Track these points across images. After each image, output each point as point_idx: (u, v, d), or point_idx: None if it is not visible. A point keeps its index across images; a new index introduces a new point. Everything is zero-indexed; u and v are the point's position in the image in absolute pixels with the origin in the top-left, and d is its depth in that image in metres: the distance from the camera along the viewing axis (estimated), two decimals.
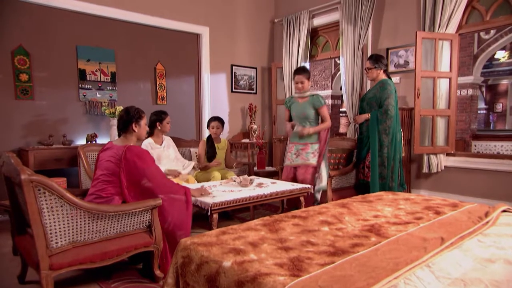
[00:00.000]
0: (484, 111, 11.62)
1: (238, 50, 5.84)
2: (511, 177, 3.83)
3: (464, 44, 7.69)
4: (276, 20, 6.07)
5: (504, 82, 11.93)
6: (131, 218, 2.38)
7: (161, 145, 3.79)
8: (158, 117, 3.71)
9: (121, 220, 2.33)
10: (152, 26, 4.99)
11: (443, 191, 4.28)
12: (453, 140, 4.29)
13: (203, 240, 1.68)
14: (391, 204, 2.34)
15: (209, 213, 2.63)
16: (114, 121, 4.49)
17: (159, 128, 3.71)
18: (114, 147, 2.51)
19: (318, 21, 5.54)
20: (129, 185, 2.44)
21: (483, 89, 11.91)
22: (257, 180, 3.45)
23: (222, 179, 3.80)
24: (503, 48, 10.14)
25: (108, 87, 4.72)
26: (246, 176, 3.26)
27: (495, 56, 10.51)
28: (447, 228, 1.82)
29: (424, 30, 4.21)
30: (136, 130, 2.59)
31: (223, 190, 3.07)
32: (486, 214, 2.06)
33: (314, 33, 5.68)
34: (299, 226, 1.89)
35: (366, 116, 3.57)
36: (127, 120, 2.56)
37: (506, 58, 11.44)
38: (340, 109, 10.58)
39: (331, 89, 9.99)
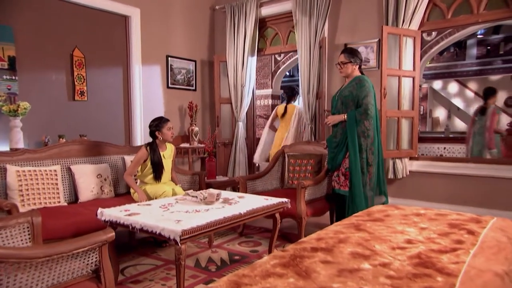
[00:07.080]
0: None
1: (175, 39, 5.22)
2: (475, 181, 3.93)
3: None
4: (217, 7, 5.57)
5: (424, 86, 13.05)
6: (70, 263, 1.72)
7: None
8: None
9: (56, 268, 1.66)
10: (66, 1, 4.13)
11: (408, 198, 4.24)
12: (416, 143, 4.30)
13: None
14: (408, 223, 2.06)
15: (179, 243, 2.05)
16: (16, 121, 3.56)
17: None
18: None
19: (267, 11, 5.20)
20: None
21: None
22: (222, 194, 2.94)
23: (172, 195, 3.20)
24: None
25: (4, 76, 3.75)
26: (211, 190, 2.73)
27: None
28: (504, 255, 1.57)
29: (387, 25, 4.14)
30: None
31: (185, 210, 2.49)
32: None
33: (262, 24, 5.32)
34: (331, 264, 1.48)
35: (342, 117, 3.30)
36: None
37: (427, 62, 12.52)
38: None
39: (271, 88, 9.70)
